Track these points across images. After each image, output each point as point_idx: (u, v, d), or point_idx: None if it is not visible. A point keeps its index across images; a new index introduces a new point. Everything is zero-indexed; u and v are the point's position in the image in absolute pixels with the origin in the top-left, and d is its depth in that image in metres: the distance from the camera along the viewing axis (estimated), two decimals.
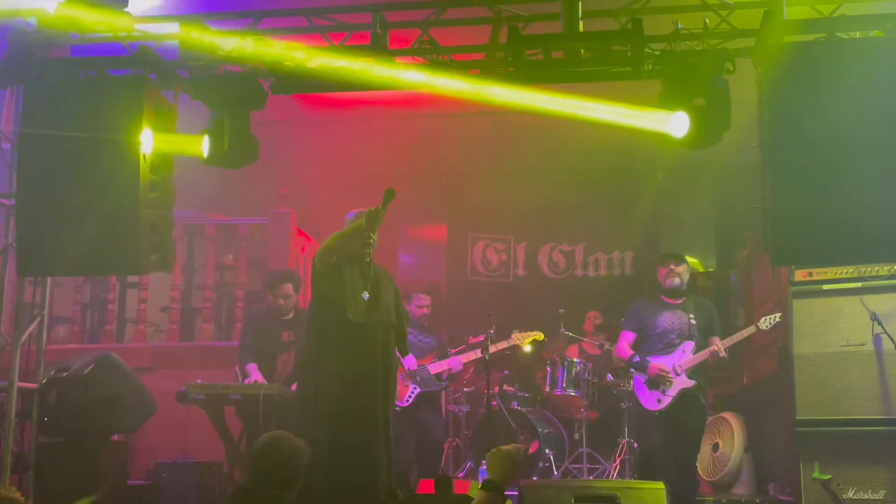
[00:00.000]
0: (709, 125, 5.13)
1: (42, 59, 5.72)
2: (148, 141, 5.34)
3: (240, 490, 3.86)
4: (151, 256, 5.46)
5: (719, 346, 6.64)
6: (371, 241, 5.64)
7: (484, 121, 9.36)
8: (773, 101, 4.92)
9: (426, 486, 5.30)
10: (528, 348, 8.11)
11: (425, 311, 7.73)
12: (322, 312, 5.60)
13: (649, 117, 5.32)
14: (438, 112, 9.19)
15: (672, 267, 6.86)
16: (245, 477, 4.04)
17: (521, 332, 7.96)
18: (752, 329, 6.81)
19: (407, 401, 7.18)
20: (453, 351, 7.81)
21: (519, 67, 5.55)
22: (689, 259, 7.49)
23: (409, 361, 7.15)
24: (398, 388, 7.03)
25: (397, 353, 6.04)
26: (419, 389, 7.28)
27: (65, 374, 6.32)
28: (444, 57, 5.69)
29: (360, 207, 5.80)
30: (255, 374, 6.75)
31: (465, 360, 7.68)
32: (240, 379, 6.84)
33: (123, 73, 5.71)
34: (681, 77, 5.17)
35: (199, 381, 6.65)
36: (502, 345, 7.85)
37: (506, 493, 3.38)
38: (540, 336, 8.01)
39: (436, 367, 7.47)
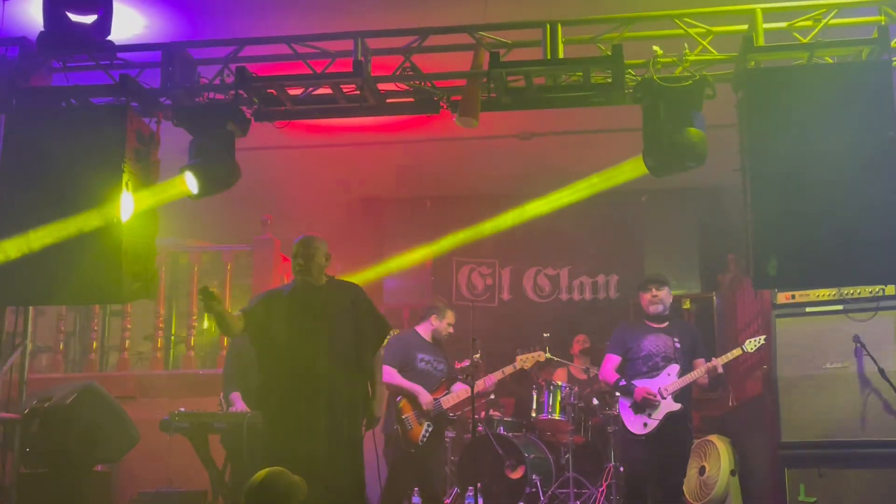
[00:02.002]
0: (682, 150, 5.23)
1: (24, 88, 5.72)
2: (128, 205, 5.33)
3: None
4: (134, 285, 5.44)
5: (716, 361, 6.64)
6: (300, 267, 5.48)
7: (468, 145, 9.40)
8: (752, 125, 4.98)
9: None
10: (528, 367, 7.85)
11: (451, 330, 7.34)
12: (256, 347, 5.50)
13: (628, 168, 5.50)
14: (421, 137, 9.23)
15: (654, 293, 6.85)
16: None
17: (524, 353, 7.72)
18: (737, 351, 6.81)
19: (422, 440, 6.84)
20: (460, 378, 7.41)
21: (500, 93, 5.61)
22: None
23: (426, 398, 6.86)
24: (413, 429, 6.86)
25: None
26: (433, 427, 6.89)
27: (47, 404, 6.27)
28: (426, 83, 5.73)
29: (316, 233, 5.70)
30: (239, 404, 6.70)
31: (488, 384, 7.42)
32: (224, 407, 6.80)
33: (106, 102, 5.72)
34: (661, 104, 5.26)
35: (182, 409, 6.60)
36: (508, 369, 7.63)
37: None
38: (543, 357, 7.77)
39: (448, 402, 7.04)
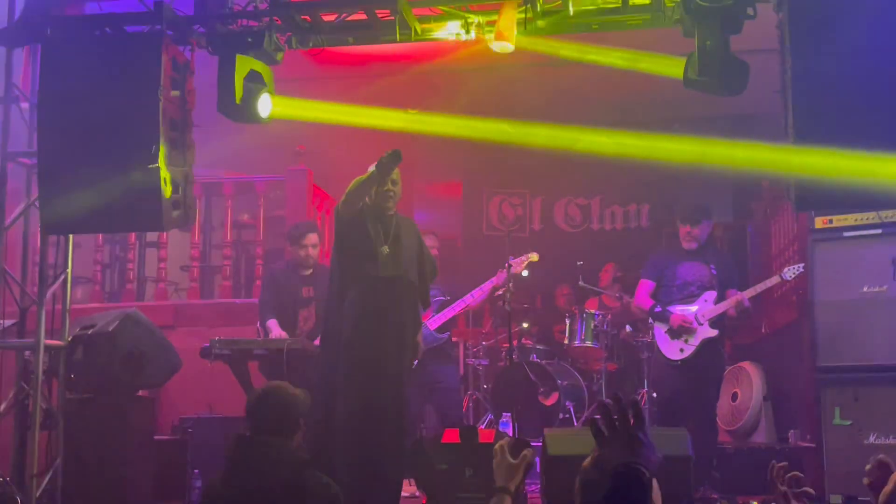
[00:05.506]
0: (726, 73, 5.12)
1: (58, 17, 5.71)
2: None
3: (239, 437, 3.92)
4: (173, 213, 5.48)
5: (743, 295, 6.63)
6: (391, 193, 5.65)
7: (497, 74, 9.30)
8: (796, 44, 4.87)
9: (451, 435, 5.34)
10: (525, 273, 7.68)
11: (435, 252, 7.24)
12: (343, 265, 5.61)
13: (666, 62, 5.35)
14: (452, 66, 9.14)
15: (689, 230, 6.81)
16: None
17: (515, 257, 7.55)
18: (775, 279, 6.79)
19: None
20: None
21: (536, 17, 5.52)
22: None
23: None
24: None
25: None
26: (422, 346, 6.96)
27: (90, 332, 6.36)
28: (462, 7, 5.66)
29: (348, 164, 5.87)
30: (277, 331, 6.79)
31: (479, 296, 7.41)
32: (262, 335, 6.89)
33: (140, 30, 5.70)
34: (699, 24, 5.15)
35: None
36: (502, 274, 7.43)
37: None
38: (535, 257, 7.63)
39: (435, 322, 7.19)
